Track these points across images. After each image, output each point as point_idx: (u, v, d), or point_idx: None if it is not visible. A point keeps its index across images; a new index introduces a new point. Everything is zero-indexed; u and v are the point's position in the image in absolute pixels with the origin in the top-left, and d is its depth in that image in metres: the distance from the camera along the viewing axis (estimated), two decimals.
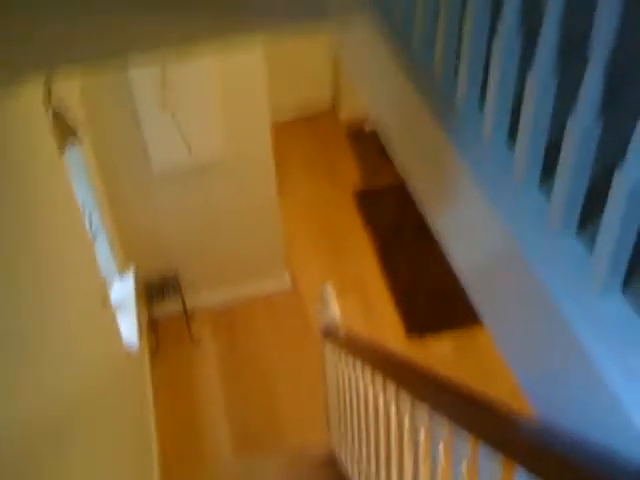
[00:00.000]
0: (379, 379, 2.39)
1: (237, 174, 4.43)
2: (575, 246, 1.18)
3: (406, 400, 2.12)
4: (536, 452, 1.25)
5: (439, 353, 4.58)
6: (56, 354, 2.23)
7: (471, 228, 1.48)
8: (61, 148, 2.86)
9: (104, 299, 3.37)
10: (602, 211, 1.05)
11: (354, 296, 4.99)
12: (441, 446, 1.93)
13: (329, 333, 3.09)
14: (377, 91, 2.07)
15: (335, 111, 6.76)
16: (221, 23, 2.10)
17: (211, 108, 4.03)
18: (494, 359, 4.52)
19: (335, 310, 3.07)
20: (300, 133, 6.52)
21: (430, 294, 4.99)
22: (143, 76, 3.76)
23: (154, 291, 4.61)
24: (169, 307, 4.69)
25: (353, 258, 5.31)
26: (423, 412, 1.96)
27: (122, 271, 4.19)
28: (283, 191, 4.68)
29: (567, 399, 1.16)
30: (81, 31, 1.98)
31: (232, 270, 4.89)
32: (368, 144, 6.37)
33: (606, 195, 1.03)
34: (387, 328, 4.73)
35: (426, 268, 5.18)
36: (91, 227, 3.68)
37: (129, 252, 4.48)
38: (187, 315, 4.71)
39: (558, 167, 1.15)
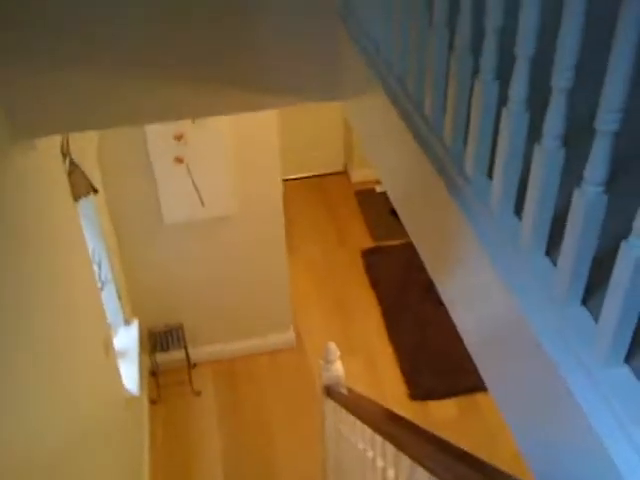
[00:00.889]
0: (379, 440, 2.37)
1: (247, 229, 4.47)
2: (580, 316, 1.19)
3: (405, 464, 2.10)
4: None
5: (442, 418, 4.54)
6: (60, 399, 2.23)
7: (476, 295, 1.50)
8: (75, 197, 2.91)
9: (107, 347, 3.38)
10: (608, 281, 1.07)
11: (358, 356, 4.97)
12: None
13: (331, 392, 3.07)
14: (386, 157, 2.12)
15: (347, 171, 6.85)
16: (238, 100, 2.19)
17: (224, 163, 4.11)
18: (497, 425, 4.47)
19: (338, 368, 3.06)
20: (311, 192, 6.61)
21: (435, 358, 4.96)
22: (158, 130, 3.85)
23: (158, 340, 4.61)
24: (172, 357, 4.68)
25: (359, 318, 5.31)
26: (423, 477, 1.94)
27: (128, 320, 4.20)
28: (291, 248, 4.72)
29: (567, 468, 1.16)
30: (104, 97, 2.07)
31: (237, 324, 4.89)
32: (378, 205, 6.44)
33: (612, 266, 1.05)
34: (390, 391, 4.70)
35: (431, 331, 5.16)
36: (100, 275, 3.71)
37: (136, 301, 4.50)
38: (189, 366, 4.69)
39: (564, 238, 1.17)
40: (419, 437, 1.97)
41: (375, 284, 5.62)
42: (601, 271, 1.20)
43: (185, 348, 4.60)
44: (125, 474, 3.49)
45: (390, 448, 2.25)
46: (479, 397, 4.69)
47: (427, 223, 1.82)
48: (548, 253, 1.31)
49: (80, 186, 2.84)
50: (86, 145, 3.40)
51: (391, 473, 2.35)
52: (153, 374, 4.75)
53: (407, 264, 5.82)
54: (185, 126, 3.89)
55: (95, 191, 3.03)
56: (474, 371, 5.19)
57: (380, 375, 4.85)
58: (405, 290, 5.55)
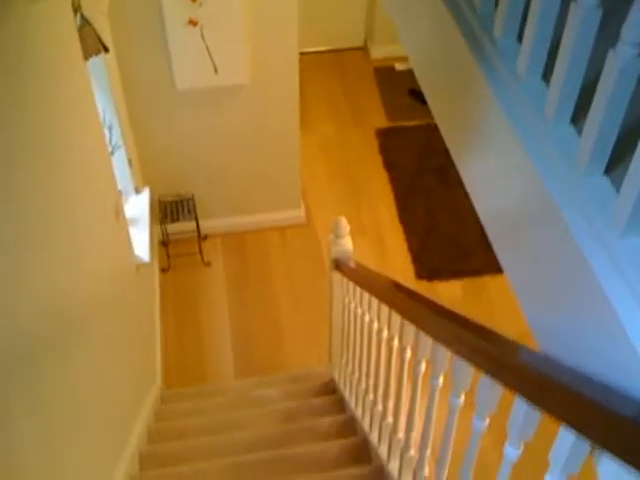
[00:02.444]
0: (385, 312, 2.41)
1: (260, 101, 4.38)
2: (602, 185, 1.16)
3: (410, 331, 2.13)
4: (539, 382, 1.25)
5: (447, 297, 4.60)
6: (66, 256, 2.25)
7: (498, 165, 1.46)
8: (86, 55, 2.83)
9: (118, 211, 3.39)
10: (632, 155, 1.03)
11: (367, 237, 4.99)
12: (441, 378, 1.96)
13: (339, 264, 3.10)
14: (412, 22, 2.02)
15: (366, 47, 6.63)
16: None
17: (240, 29, 3.96)
18: (501, 306, 4.54)
19: (347, 242, 3.08)
20: (328, 67, 6.42)
21: (443, 241, 4.98)
22: None
23: (169, 210, 4.63)
24: (183, 228, 4.71)
25: (371, 199, 5.29)
26: (427, 344, 1.98)
27: (139, 187, 4.20)
28: (304, 125, 4.64)
29: (578, 340, 1.16)
30: None
31: (248, 198, 4.89)
32: (397, 84, 6.27)
33: (637, 140, 1.01)
34: (398, 270, 4.74)
35: (442, 216, 5.15)
36: (110, 140, 3.67)
37: (147, 169, 4.48)
38: (200, 237, 4.73)
39: (593, 104, 1.12)
40: (425, 306, 2.00)
41: (389, 165, 5.56)
42: (626, 145, 1.15)
43: (196, 219, 4.62)
44: (137, 337, 3.59)
45: (396, 318, 2.28)
46: (485, 279, 4.74)
47: (451, 93, 1.75)
48: (574, 122, 1.27)
49: (90, 44, 2.75)
50: (97, 1, 3.26)
51: (396, 342, 2.40)
52: (164, 244, 4.81)
53: (422, 147, 5.73)
54: None
55: (106, 50, 2.93)
56: (482, 255, 5.22)
57: (388, 255, 4.89)
58: (419, 173, 5.50)
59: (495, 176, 1.48)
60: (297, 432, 3.12)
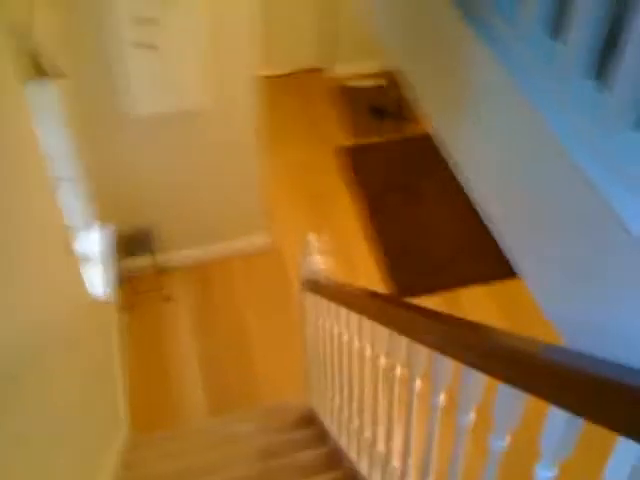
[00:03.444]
0: (364, 324, 2.21)
1: (219, 126, 4.17)
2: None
3: (384, 335, 1.99)
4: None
5: None
6: (14, 302, 2.01)
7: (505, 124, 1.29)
8: (31, 80, 2.59)
9: (67, 248, 3.14)
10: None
11: (337, 256, 4.75)
12: (418, 382, 1.83)
13: (310, 284, 2.89)
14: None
15: (324, 69, 6.50)
16: None
17: (198, 52, 3.76)
18: (476, 318, 4.36)
19: (318, 260, 2.87)
20: (284, 89, 6.27)
21: (415, 258, 4.82)
22: (127, 10, 3.48)
23: (126, 245, 4.37)
24: (141, 263, 4.46)
25: (338, 218, 5.11)
26: (420, 355, 1.80)
27: (92, 222, 3.94)
28: (268, 148, 4.43)
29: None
30: None
31: (209, 227, 4.66)
32: (356, 102, 6.14)
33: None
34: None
35: (411, 232, 4.99)
36: (58, 173, 3.42)
37: (101, 202, 4.21)
38: (159, 271, 4.49)
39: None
40: (405, 309, 1.84)
41: (354, 183, 5.39)
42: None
43: (154, 253, 4.38)
44: (95, 379, 3.32)
45: (381, 331, 2.08)
46: (459, 292, 4.58)
47: (438, 63, 1.58)
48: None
49: (37, 68, 2.52)
50: (46, 22, 3.04)
51: (382, 360, 2.20)
52: (122, 280, 4.54)
53: (387, 163, 5.59)
54: (156, 7, 3.52)
55: (54, 75, 2.70)
56: (453, 269, 5.04)
57: (359, 275, 4.69)
58: (385, 190, 5.34)
59: (494, 136, 1.31)
60: (278, 470, 2.87)
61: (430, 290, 4.59)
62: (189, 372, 4.15)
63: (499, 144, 1.38)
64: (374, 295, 2.17)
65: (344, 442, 2.80)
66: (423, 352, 1.74)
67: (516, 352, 1.21)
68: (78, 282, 3.27)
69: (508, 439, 1.37)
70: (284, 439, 3.19)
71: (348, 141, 5.77)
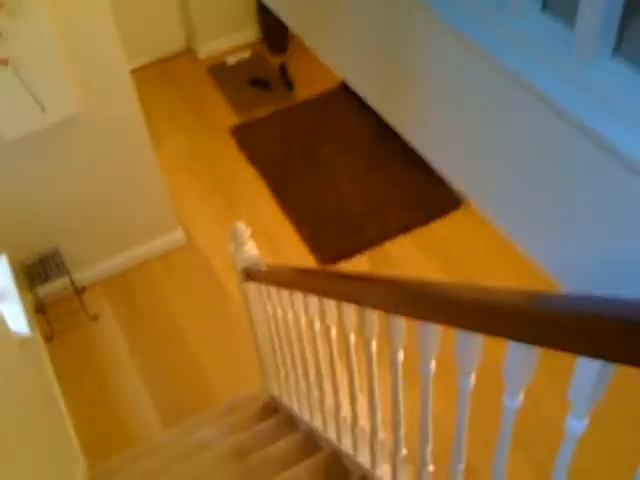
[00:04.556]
0: (313, 301, 2.17)
1: (101, 128, 3.93)
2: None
3: (333, 308, 2.03)
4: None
5: None
6: None
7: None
8: None
9: None
10: None
11: (257, 237, 4.63)
12: (374, 344, 1.87)
13: (249, 273, 2.78)
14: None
15: (191, 50, 6.28)
16: None
17: (58, 58, 3.50)
18: (409, 266, 4.40)
19: (251, 247, 2.77)
20: (158, 78, 6.02)
21: (333, 220, 4.76)
22: None
23: (35, 273, 4.10)
24: (56, 287, 4.20)
25: (247, 199, 4.98)
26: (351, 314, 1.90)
27: None
28: (155, 143, 4.23)
29: None
30: None
31: (118, 234, 4.43)
32: (234, 77, 5.97)
33: None
34: (299, 262, 4.47)
35: (322, 195, 4.93)
36: None
37: None
38: (77, 291, 4.24)
39: None
40: (350, 280, 1.84)
41: (253, 160, 5.26)
42: None
43: (67, 273, 4.12)
44: (41, 421, 3.11)
45: (330, 304, 2.05)
46: (386, 246, 4.58)
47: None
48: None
49: None
50: None
51: (333, 332, 2.17)
52: (40, 310, 4.27)
53: (280, 132, 5.48)
54: (1, 19, 3.24)
55: None
56: (374, 224, 5.06)
57: (284, 250, 4.61)
58: (285, 159, 5.24)
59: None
60: (259, 466, 2.78)
61: (356, 251, 4.56)
62: (134, 389, 3.97)
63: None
64: (314, 272, 2.17)
65: (319, 423, 2.75)
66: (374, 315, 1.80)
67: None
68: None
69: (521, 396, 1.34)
70: (254, 433, 3.10)
71: (236, 119, 5.62)
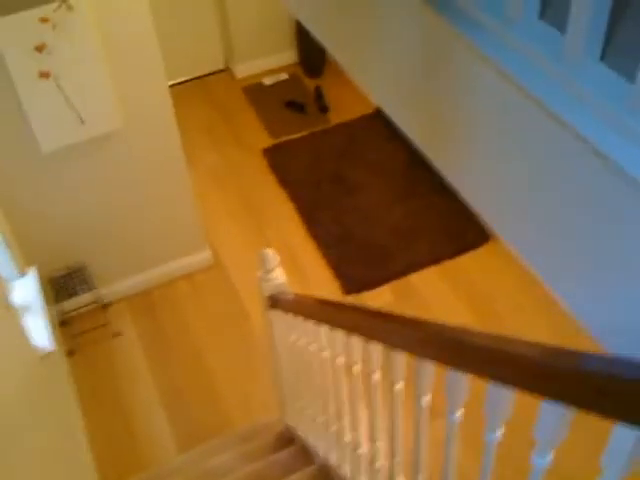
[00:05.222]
0: (339, 335, 2.15)
1: (138, 144, 3.95)
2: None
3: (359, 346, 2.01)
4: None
5: (379, 305, 4.34)
6: None
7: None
8: None
9: (6, 304, 2.91)
10: None
11: (283, 261, 4.62)
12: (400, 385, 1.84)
13: (276, 301, 2.75)
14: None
15: (229, 69, 6.32)
16: None
17: (100, 72, 3.54)
18: (433, 298, 4.35)
19: (280, 274, 2.74)
20: (194, 95, 6.06)
21: (360, 249, 4.73)
22: (15, 41, 3.23)
23: (61, 286, 4.12)
24: (81, 301, 4.21)
25: (275, 222, 4.97)
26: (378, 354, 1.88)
27: (22, 270, 3.68)
28: (188, 161, 4.24)
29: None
30: None
31: (146, 252, 4.44)
32: (270, 99, 5.99)
33: None
34: (323, 291, 4.44)
35: (350, 222, 4.90)
36: None
37: (27, 247, 3.95)
38: (102, 307, 4.25)
39: None
40: (379, 318, 1.78)
41: (284, 183, 5.26)
42: None
43: (93, 288, 4.14)
44: (59, 435, 3.10)
45: (354, 341, 2.02)
46: (411, 278, 4.52)
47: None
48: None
49: None
50: None
51: (357, 368, 2.14)
52: (64, 323, 4.28)
53: (312, 156, 5.48)
54: (45, 34, 3.28)
55: None
56: (401, 255, 5.00)
57: (310, 276, 4.58)
58: (316, 183, 5.23)
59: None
60: None
61: (381, 281, 4.52)
62: (151, 408, 3.95)
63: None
64: (342, 306, 2.14)
65: (334, 458, 2.70)
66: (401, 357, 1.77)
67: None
68: (23, 337, 3.03)
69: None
70: (269, 463, 3.05)
71: (269, 140, 5.62)
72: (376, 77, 1.76)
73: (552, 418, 1.14)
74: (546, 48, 1.15)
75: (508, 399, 1.29)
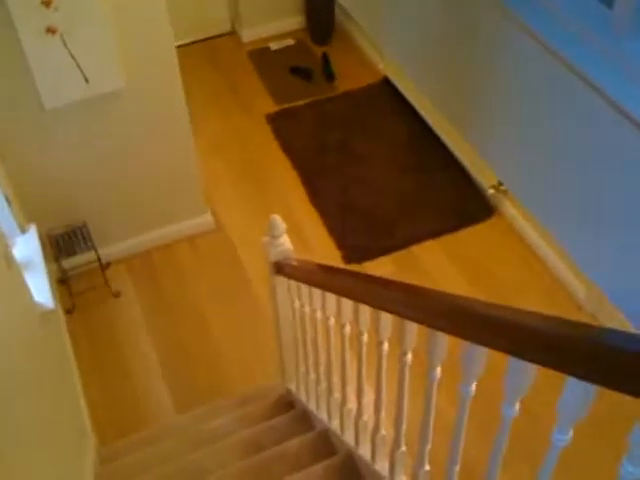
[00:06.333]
0: (346, 303, 2.18)
1: (143, 105, 3.90)
2: None
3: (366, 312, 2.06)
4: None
5: (380, 274, 4.32)
6: None
7: None
8: None
9: (8, 258, 2.88)
10: None
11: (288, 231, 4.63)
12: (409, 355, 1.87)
13: (281, 268, 2.74)
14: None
15: (236, 32, 6.23)
16: None
17: (107, 30, 3.48)
18: (437, 270, 4.34)
19: (285, 241, 2.73)
20: (200, 57, 5.98)
21: (363, 218, 4.70)
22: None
23: (61, 244, 4.09)
24: (81, 260, 4.18)
25: (277, 188, 4.93)
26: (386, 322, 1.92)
27: (23, 227, 3.65)
28: (191, 124, 4.19)
29: None
30: None
31: (147, 213, 4.41)
32: (275, 64, 5.92)
33: None
34: (324, 257, 4.42)
35: (354, 191, 4.87)
36: None
37: (27, 204, 3.92)
38: (102, 266, 4.23)
39: None
40: (383, 285, 1.90)
41: (288, 150, 5.21)
42: None
43: (94, 247, 4.11)
44: (55, 393, 3.09)
45: (364, 309, 2.01)
46: (413, 250, 4.51)
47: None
48: None
49: None
50: None
51: (365, 337, 2.16)
52: (63, 282, 4.26)
53: (316, 124, 5.43)
54: None
55: None
56: (403, 226, 4.96)
57: (311, 243, 4.56)
58: (320, 151, 5.19)
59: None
60: (270, 464, 2.75)
61: (383, 252, 4.50)
62: (149, 369, 3.95)
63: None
64: (349, 274, 2.18)
65: (337, 425, 2.71)
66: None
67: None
68: (24, 294, 3.02)
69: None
70: (268, 428, 3.06)
71: (274, 106, 5.57)
72: (398, 37, 1.72)
73: (576, 395, 1.13)
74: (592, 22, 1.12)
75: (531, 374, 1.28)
